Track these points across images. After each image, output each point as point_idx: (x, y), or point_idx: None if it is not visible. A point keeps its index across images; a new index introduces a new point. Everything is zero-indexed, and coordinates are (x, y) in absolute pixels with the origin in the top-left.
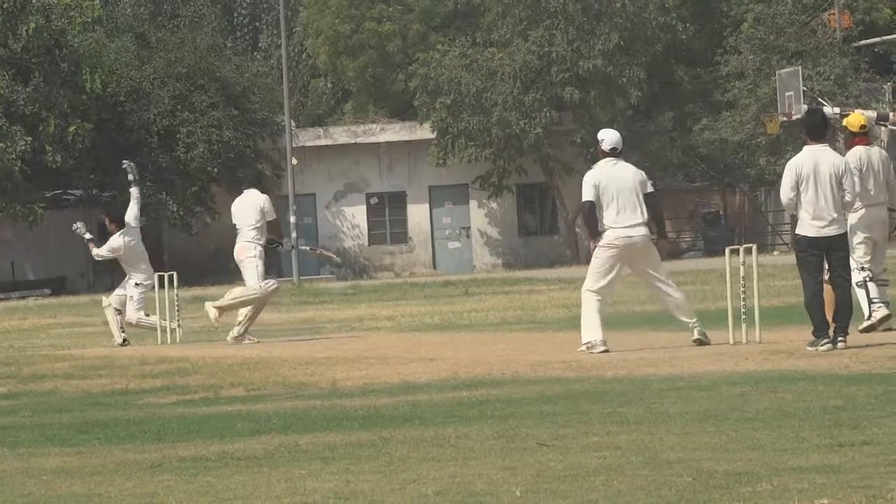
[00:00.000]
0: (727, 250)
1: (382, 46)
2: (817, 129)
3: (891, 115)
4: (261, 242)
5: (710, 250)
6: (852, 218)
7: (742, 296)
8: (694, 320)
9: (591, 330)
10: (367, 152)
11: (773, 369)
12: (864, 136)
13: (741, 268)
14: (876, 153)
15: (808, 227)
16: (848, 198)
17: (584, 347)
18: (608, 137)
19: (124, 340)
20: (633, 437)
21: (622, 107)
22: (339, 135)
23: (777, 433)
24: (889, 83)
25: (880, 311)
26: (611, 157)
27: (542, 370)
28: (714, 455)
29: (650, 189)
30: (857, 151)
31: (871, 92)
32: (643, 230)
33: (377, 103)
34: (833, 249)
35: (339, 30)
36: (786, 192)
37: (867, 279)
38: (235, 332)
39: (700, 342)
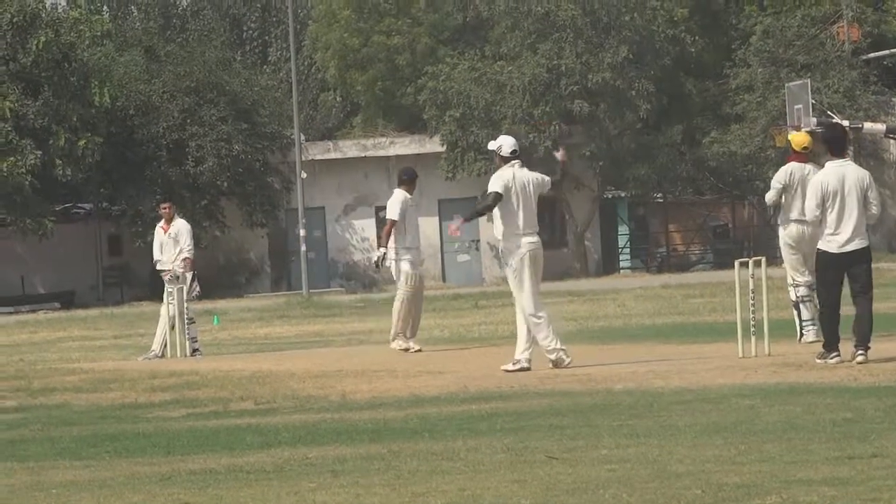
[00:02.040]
0: (736, 263)
1: (391, 60)
2: (838, 143)
3: None
4: (404, 245)
5: (719, 263)
6: (781, 233)
7: (751, 308)
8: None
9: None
10: (377, 166)
11: (783, 382)
12: (802, 154)
13: (750, 280)
14: (811, 171)
15: (829, 243)
16: (874, 210)
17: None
18: (506, 142)
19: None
20: (643, 450)
21: (631, 120)
22: (349, 148)
23: (786, 446)
24: None
25: (809, 335)
26: (513, 160)
27: (551, 383)
28: (723, 468)
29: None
30: (790, 167)
31: (879, 105)
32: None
33: (386, 117)
34: (854, 264)
35: (348, 43)
36: (811, 210)
37: (801, 299)
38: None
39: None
